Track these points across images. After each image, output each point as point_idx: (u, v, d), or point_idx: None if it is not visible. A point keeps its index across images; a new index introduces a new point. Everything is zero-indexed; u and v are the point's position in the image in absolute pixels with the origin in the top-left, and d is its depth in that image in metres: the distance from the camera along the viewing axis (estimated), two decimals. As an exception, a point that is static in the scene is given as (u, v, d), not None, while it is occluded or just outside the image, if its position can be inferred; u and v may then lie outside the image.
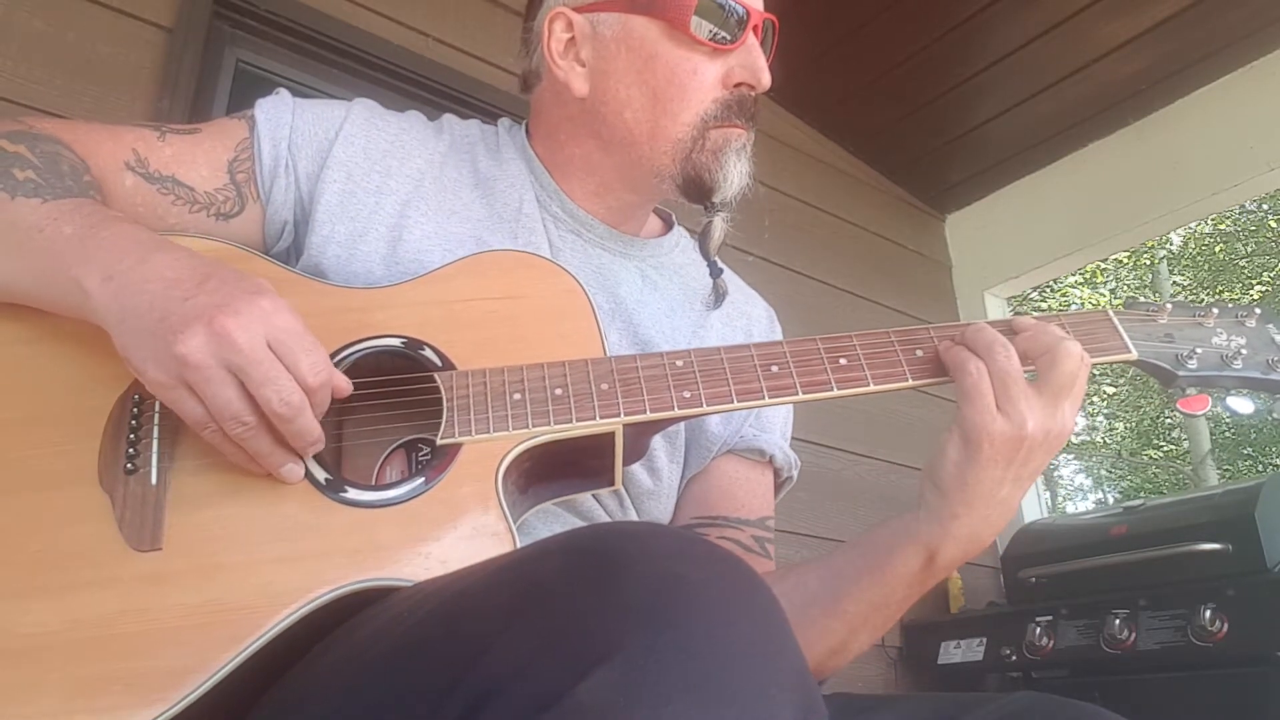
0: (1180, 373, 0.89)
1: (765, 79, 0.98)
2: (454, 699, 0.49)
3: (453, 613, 0.56)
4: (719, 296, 1.07)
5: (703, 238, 1.08)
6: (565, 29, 1.01)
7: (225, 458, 0.74)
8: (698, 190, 0.99)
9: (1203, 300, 0.95)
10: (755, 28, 0.98)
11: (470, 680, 0.49)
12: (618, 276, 1.04)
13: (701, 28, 0.95)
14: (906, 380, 0.86)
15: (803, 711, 0.49)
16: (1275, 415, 0.92)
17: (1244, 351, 0.90)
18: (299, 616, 0.68)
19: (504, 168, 1.05)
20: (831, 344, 0.87)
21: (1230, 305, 0.94)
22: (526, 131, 1.10)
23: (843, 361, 0.85)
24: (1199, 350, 0.90)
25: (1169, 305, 0.93)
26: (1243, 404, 0.91)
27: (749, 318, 1.15)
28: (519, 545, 0.74)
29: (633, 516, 1.00)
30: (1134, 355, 0.90)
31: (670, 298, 1.07)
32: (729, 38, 0.96)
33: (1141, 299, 0.94)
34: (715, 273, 1.07)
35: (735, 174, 0.98)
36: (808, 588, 0.89)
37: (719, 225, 1.06)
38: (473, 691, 0.48)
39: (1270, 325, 0.93)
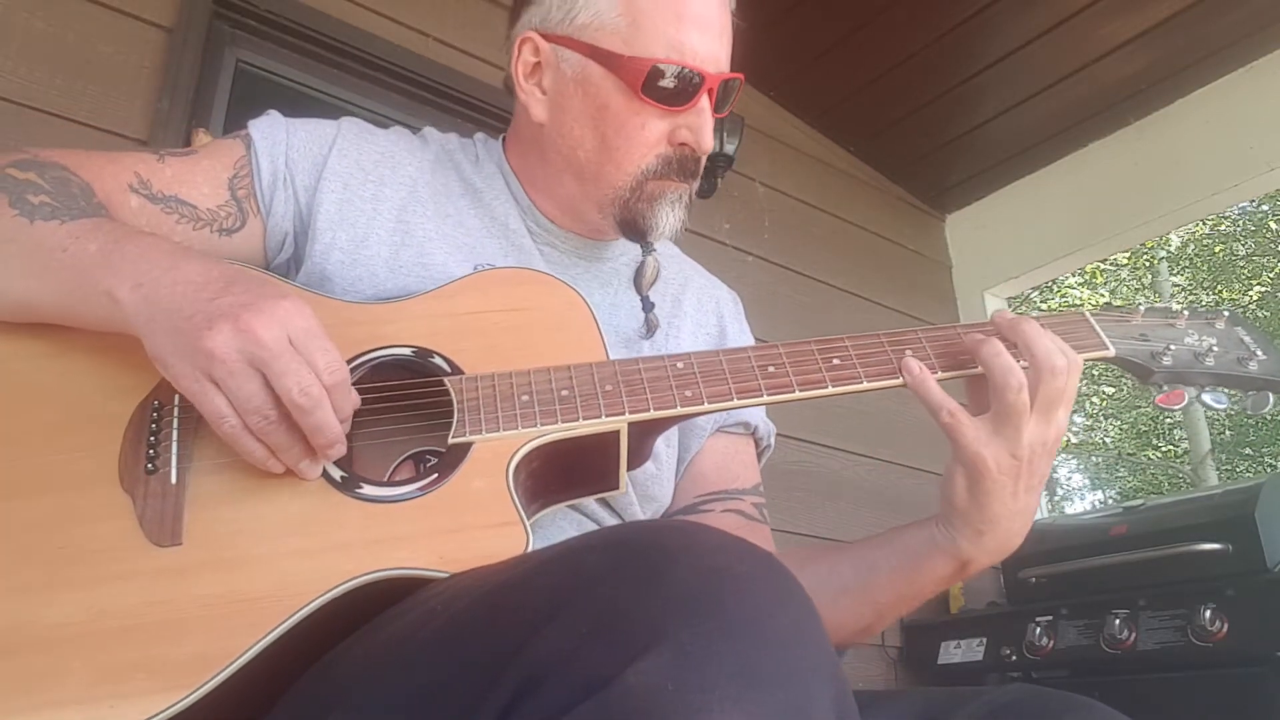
0: (1156, 369, 0.93)
1: (706, 143, 1.02)
2: (501, 684, 0.50)
3: (496, 603, 0.58)
4: (650, 329, 1.09)
5: (637, 276, 1.12)
6: (533, 53, 1.04)
7: (242, 457, 0.75)
8: (633, 230, 1.04)
9: (1175, 306, 0.98)
10: (710, 90, 1.00)
11: (517, 665, 0.50)
12: (591, 284, 1.08)
13: (655, 90, 0.98)
14: (898, 378, 0.89)
15: (836, 699, 0.52)
16: (1247, 410, 0.96)
17: (1215, 349, 0.94)
18: (319, 605, 0.70)
19: (488, 181, 1.10)
20: (825, 345, 0.90)
21: (1199, 309, 0.98)
22: (503, 144, 1.14)
23: (836, 361, 0.89)
24: (1172, 348, 0.94)
25: (1141, 308, 0.97)
26: (1217, 398, 0.94)
27: (717, 300, 1.22)
28: (532, 539, 0.76)
29: (635, 501, 1.03)
30: (1112, 352, 0.93)
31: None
32: (680, 100, 0.99)
33: (1117, 304, 0.98)
34: (648, 307, 1.10)
35: (668, 222, 1.04)
36: (842, 575, 0.94)
37: (651, 263, 1.11)
38: (520, 676, 0.50)
39: (1238, 327, 0.97)
